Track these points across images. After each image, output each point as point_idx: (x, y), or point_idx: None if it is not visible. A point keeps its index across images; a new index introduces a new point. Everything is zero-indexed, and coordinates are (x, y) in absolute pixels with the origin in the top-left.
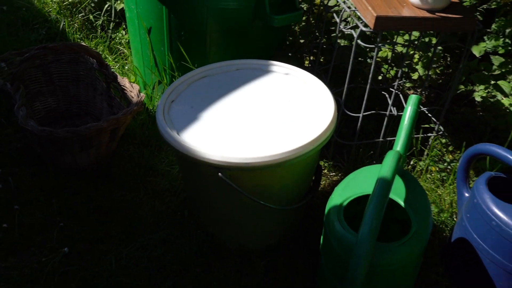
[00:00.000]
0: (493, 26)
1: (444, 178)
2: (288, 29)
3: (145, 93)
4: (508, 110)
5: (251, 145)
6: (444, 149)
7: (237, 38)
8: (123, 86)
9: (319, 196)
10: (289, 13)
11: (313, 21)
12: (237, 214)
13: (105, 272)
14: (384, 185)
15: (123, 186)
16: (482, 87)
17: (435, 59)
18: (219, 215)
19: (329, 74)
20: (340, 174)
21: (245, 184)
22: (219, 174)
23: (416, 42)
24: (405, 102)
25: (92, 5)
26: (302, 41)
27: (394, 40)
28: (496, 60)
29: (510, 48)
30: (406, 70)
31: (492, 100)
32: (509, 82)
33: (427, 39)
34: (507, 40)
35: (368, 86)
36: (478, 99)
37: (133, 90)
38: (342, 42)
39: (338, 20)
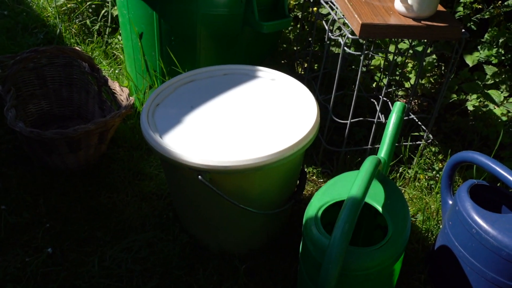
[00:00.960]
0: (486, 36)
1: (432, 186)
2: (280, 36)
3: (136, 97)
4: (499, 120)
5: (232, 148)
6: (434, 158)
7: (227, 44)
8: (114, 89)
9: (306, 202)
10: (278, 20)
11: (307, 29)
12: (218, 218)
13: (87, 273)
14: (359, 189)
15: (111, 188)
16: (474, 96)
17: (429, 68)
18: (201, 218)
19: (319, 81)
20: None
21: (225, 187)
22: (199, 177)
23: (410, 51)
24: None
25: (90, 10)
26: (296, 48)
27: (388, 49)
28: (489, 70)
29: (503, 58)
30: (398, 78)
31: (484, 109)
32: (501, 92)
33: (420, 48)
34: (500, 50)
35: (355, 93)
36: (470, 108)
37: (123, 94)
38: (336, 50)
39: (326, 27)
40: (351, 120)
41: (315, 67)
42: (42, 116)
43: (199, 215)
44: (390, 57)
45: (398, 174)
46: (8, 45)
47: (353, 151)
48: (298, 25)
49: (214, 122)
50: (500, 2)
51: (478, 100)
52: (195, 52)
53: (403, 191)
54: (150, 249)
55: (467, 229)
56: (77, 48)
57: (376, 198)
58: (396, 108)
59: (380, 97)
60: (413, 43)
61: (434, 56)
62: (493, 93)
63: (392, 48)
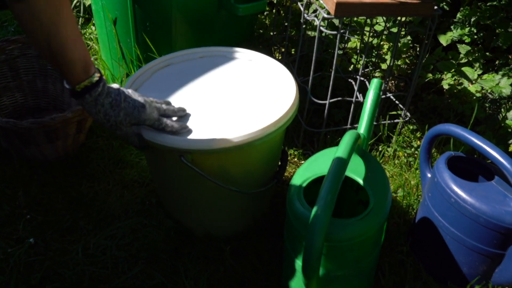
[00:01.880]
0: (459, 15)
1: (412, 162)
2: (256, 21)
3: None
4: (474, 97)
5: (213, 129)
6: (412, 135)
7: (203, 28)
8: None
9: (288, 183)
10: (253, 3)
11: (283, 14)
12: (202, 200)
13: (71, 261)
14: (339, 160)
15: (92, 177)
16: (449, 75)
17: (404, 49)
18: (185, 202)
19: (296, 64)
20: None
21: (208, 168)
22: (181, 158)
23: (385, 32)
24: None
25: None
26: (272, 33)
27: (363, 30)
28: (463, 49)
29: (475, 36)
30: (375, 60)
31: (459, 87)
32: (475, 70)
33: (395, 30)
34: (472, 29)
35: (333, 73)
36: (445, 86)
37: None
38: (312, 34)
39: (302, 8)
40: (330, 101)
41: (292, 52)
42: (17, 108)
43: (182, 199)
44: (366, 38)
45: (377, 153)
46: None
47: (333, 132)
48: (274, 10)
49: (194, 104)
50: None
51: (453, 78)
52: (170, 37)
53: None
54: (134, 236)
55: (446, 199)
56: None
57: (357, 172)
58: (374, 85)
59: (357, 77)
60: (388, 25)
61: (409, 37)
62: (467, 70)
63: (367, 30)
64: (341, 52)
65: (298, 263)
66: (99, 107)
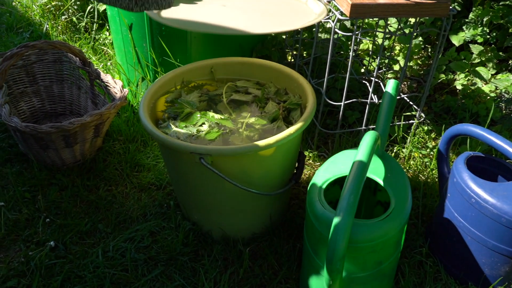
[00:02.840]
0: (471, 15)
1: (427, 163)
2: None
3: (129, 89)
4: (488, 97)
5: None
6: (427, 136)
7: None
8: (107, 82)
9: (304, 185)
10: None
11: None
12: (221, 202)
13: (91, 263)
14: (361, 162)
15: (109, 181)
16: (462, 75)
17: (416, 50)
18: (203, 204)
19: (310, 66)
20: None
21: (227, 170)
22: (201, 160)
23: (398, 32)
24: None
25: (75, 7)
26: (284, 36)
27: (376, 32)
28: (476, 49)
29: (488, 36)
30: (387, 61)
31: (472, 87)
32: (488, 69)
33: (407, 30)
34: (485, 29)
35: (348, 75)
36: (459, 87)
37: (116, 86)
38: (324, 36)
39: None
40: (345, 102)
41: (304, 54)
42: (34, 113)
43: (201, 200)
44: (379, 41)
45: (393, 154)
46: None
47: (348, 133)
48: None
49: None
50: None
51: (466, 78)
52: (185, 41)
53: None
54: (153, 238)
55: (466, 199)
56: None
57: (377, 172)
58: (390, 86)
59: (372, 78)
60: (401, 25)
61: (420, 38)
62: (481, 69)
63: (380, 33)
64: (353, 54)
65: (319, 263)
66: None
